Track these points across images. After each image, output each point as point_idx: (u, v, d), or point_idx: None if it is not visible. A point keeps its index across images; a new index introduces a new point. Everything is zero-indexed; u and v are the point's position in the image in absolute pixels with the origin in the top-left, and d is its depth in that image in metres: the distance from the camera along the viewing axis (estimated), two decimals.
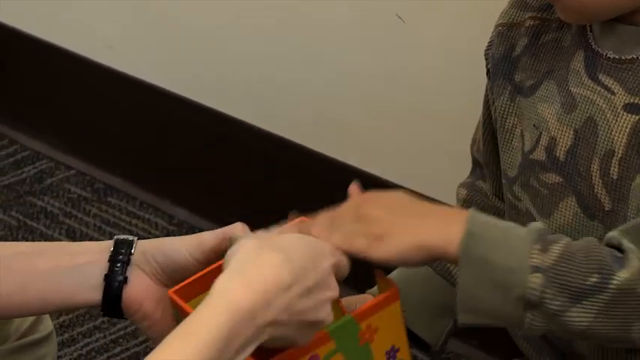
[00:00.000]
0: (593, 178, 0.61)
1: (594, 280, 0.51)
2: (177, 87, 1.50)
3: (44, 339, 0.80)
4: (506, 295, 0.52)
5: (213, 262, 0.60)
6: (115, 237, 0.66)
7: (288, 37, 1.37)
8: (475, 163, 0.77)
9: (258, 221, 0.63)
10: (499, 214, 0.70)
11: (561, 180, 0.62)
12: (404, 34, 1.21)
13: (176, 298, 0.58)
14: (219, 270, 0.55)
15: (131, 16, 1.54)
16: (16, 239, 1.41)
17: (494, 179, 0.73)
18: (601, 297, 0.51)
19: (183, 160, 1.56)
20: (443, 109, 1.21)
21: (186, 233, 0.85)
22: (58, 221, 1.46)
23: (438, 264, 0.68)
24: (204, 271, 0.61)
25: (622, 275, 0.51)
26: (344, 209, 0.58)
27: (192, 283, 0.60)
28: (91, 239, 1.40)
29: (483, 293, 0.53)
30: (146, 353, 0.49)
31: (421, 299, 0.70)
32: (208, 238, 0.63)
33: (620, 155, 0.59)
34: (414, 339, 0.68)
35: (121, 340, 1.12)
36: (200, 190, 1.55)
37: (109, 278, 0.63)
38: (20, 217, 1.47)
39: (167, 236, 1.17)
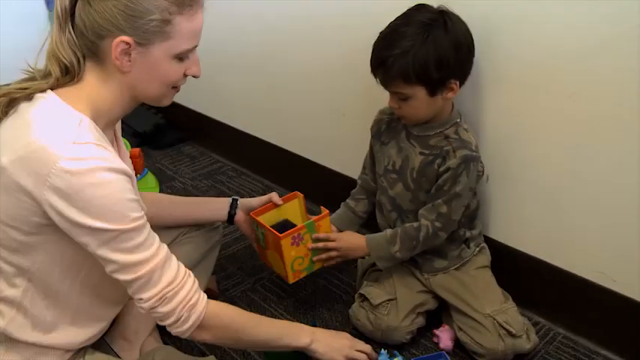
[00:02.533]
0: (407, 177, 1.57)
1: (414, 243, 1.55)
2: None
3: (217, 227, 1.69)
4: (391, 260, 1.59)
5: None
6: (232, 197, 1.67)
7: None
8: (364, 167, 1.77)
9: None
10: (370, 186, 1.75)
11: (396, 177, 1.60)
12: None
13: (253, 215, 1.62)
14: (265, 209, 1.65)
15: None
16: None
17: (371, 174, 1.74)
18: (419, 244, 1.56)
19: None
20: None
21: None
22: None
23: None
24: (260, 209, 1.64)
25: (421, 235, 1.54)
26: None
27: (256, 211, 1.63)
28: None
29: (384, 263, 1.61)
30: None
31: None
32: (258, 200, 1.67)
33: (416, 170, 1.55)
34: None
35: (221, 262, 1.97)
36: None
37: (230, 211, 1.64)
38: None
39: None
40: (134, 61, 1.12)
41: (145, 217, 1.14)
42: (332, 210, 2.06)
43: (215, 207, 1.65)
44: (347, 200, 1.80)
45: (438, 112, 1.51)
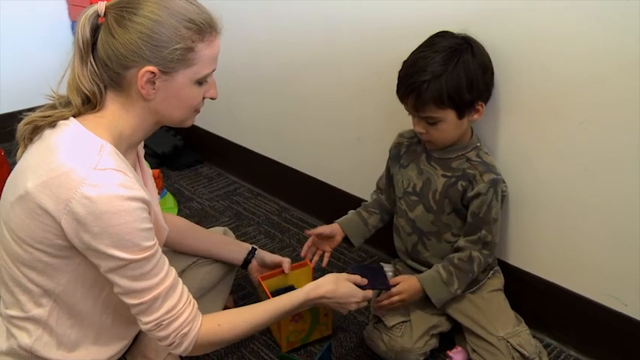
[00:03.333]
0: (429, 199, 1.61)
1: (470, 275, 1.58)
2: None
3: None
4: (449, 298, 1.59)
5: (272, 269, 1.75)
6: (252, 245, 1.74)
7: None
8: (378, 188, 1.82)
9: None
10: (384, 205, 1.79)
11: (417, 199, 1.64)
12: None
13: (260, 279, 1.68)
14: (274, 273, 1.73)
15: None
16: None
17: (386, 195, 1.79)
18: (474, 275, 1.59)
19: None
20: None
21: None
22: None
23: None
24: (269, 273, 1.72)
25: (474, 266, 1.57)
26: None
27: (264, 275, 1.70)
28: None
29: (441, 302, 1.59)
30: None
31: None
32: (272, 258, 1.74)
33: (439, 192, 1.59)
34: None
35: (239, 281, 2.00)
36: None
37: (246, 258, 1.71)
38: None
39: None
40: (158, 89, 1.16)
41: (157, 245, 1.16)
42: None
43: (234, 250, 1.71)
44: (359, 209, 1.80)
45: (461, 136, 1.55)
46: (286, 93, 2.33)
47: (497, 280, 1.67)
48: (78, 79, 1.16)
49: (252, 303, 1.85)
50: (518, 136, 1.59)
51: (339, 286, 1.42)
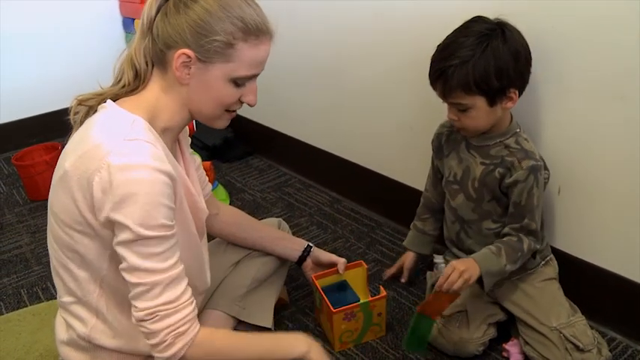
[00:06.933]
0: (469, 187, 1.60)
1: (519, 254, 1.52)
2: None
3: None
4: (499, 275, 1.51)
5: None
6: (307, 243, 1.74)
7: None
8: (426, 185, 1.83)
9: None
10: (432, 204, 1.81)
11: (458, 187, 1.64)
12: None
13: (314, 279, 1.69)
14: (327, 273, 1.72)
15: None
16: None
17: (432, 191, 1.80)
18: (522, 257, 1.53)
19: None
20: None
21: None
22: None
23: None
24: (323, 272, 1.71)
25: (524, 247, 1.52)
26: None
27: (318, 274, 1.70)
28: None
29: (492, 280, 1.50)
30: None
31: None
32: (327, 258, 1.73)
33: (477, 180, 1.57)
34: None
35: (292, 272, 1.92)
36: None
37: (301, 255, 1.72)
38: None
39: None
40: (192, 75, 1.18)
41: (174, 229, 1.13)
42: (397, 225, 2.08)
43: (290, 246, 1.71)
44: (414, 222, 1.83)
45: (497, 123, 1.52)
46: (336, 83, 2.31)
47: (551, 269, 1.63)
48: (134, 53, 1.21)
49: (305, 294, 1.90)
50: (575, 120, 1.54)
51: None
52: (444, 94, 1.46)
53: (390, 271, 1.92)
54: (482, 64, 1.39)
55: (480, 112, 1.46)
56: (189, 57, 1.15)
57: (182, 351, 1.13)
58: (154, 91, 1.21)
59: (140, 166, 1.06)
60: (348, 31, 2.14)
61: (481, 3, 1.57)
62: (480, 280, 1.49)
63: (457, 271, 1.44)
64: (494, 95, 1.43)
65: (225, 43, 1.14)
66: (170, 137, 1.27)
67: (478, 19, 1.47)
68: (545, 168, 1.55)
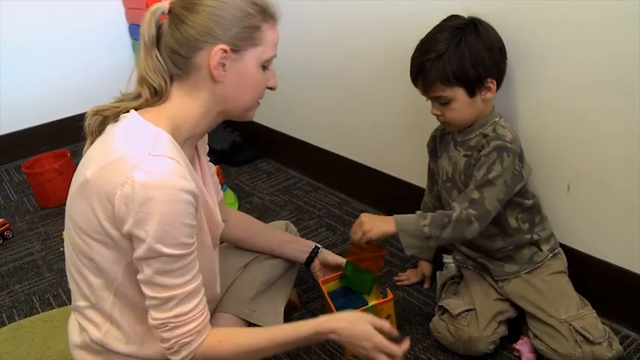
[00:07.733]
0: (458, 182, 1.62)
1: (446, 220, 1.48)
2: None
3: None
4: (418, 237, 1.50)
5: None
6: (315, 244, 1.75)
7: None
8: (424, 195, 1.88)
9: None
10: (430, 209, 1.79)
11: (451, 184, 1.66)
12: None
13: (321, 283, 1.67)
14: (335, 277, 1.70)
15: None
16: None
17: (429, 195, 1.86)
18: (449, 225, 1.47)
19: None
20: None
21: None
22: None
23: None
24: (330, 276, 1.70)
25: (453, 215, 1.48)
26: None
27: (325, 279, 1.69)
28: None
29: (410, 240, 1.50)
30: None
31: None
32: (335, 259, 1.74)
33: (462, 172, 1.60)
34: None
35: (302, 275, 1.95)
36: None
37: (309, 256, 1.73)
38: None
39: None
40: (228, 70, 1.18)
41: (194, 246, 1.15)
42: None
43: (297, 248, 1.72)
44: None
45: (479, 115, 1.55)
46: (343, 85, 2.31)
47: (560, 262, 1.62)
48: (145, 73, 1.19)
49: (316, 296, 1.90)
50: (586, 114, 1.53)
51: (355, 325, 1.24)
52: (425, 89, 1.52)
53: (412, 280, 1.93)
54: (458, 55, 1.45)
55: (461, 104, 1.50)
56: (225, 51, 1.15)
57: (187, 357, 1.19)
58: (177, 102, 1.20)
59: (164, 185, 1.06)
60: (355, 31, 2.14)
61: (483, 3, 1.58)
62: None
63: (358, 223, 1.54)
64: (473, 85, 1.48)
65: (253, 27, 1.16)
66: (191, 146, 1.28)
67: (452, 17, 1.54)
68: (521, 160, 1.54)
